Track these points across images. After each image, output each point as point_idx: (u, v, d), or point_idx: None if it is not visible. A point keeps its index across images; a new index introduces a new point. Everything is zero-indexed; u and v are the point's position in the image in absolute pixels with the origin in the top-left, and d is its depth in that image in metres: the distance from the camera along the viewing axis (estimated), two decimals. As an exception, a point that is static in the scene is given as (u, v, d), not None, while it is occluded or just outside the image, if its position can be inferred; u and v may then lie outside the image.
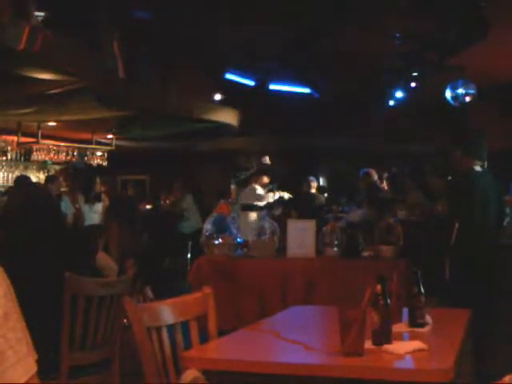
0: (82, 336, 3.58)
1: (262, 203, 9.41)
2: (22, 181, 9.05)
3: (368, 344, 2.44)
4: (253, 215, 9.09)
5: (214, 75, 11.35)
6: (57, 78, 7.82)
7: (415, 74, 10.05)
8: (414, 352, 2.39)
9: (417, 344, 2.45)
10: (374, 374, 2.27)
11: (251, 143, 14.06)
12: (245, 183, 10.25)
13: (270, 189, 9.86)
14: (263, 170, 10.37)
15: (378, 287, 2.55)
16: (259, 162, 10.69)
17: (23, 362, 1.44)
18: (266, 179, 10.05)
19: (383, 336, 2.49)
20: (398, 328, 2.75)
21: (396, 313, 2.87)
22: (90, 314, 3.57)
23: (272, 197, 9.71)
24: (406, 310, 2.99)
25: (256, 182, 9.95)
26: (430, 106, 11.70)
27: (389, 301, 2.54)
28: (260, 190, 9.78)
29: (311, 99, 13.01)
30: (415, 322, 2.90)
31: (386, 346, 2.44)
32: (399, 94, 11.63)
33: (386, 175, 10.48)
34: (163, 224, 10.97)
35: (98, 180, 10.55)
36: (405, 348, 2.40)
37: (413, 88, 10.81)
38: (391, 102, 12.01)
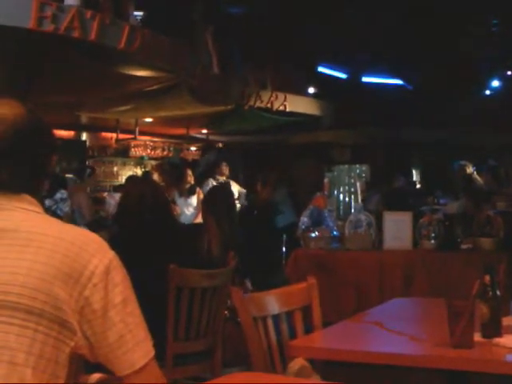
0: (186, 326, 3.67)
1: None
2: (135, 177, 9.21)
3: (477, 336, 2.39)
4: None
5: (307, 69, 11.34)
6: (153, 75, 8.01)
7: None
8: (527, 346, 2.32)
9: (530, 338, 2.38)
10: (486, 367, 2.23)
11: (344, 136, 13.99)
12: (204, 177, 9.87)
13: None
14: (221, 159, 9.95)
15: (487, 278, 2.49)
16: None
17: (141, 346, 1.51)
18: (225, 169, 9.73)
19: (493, 329, 2.43)
20: (506, 321, 2.67)
21: (504, 305, 2.80)
22: (193, 304, 3.65)
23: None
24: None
25: (218, 174, 9.64)
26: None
27: (498, 292, 2.49)
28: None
29: (404, 91, 12.84)
30: (525, 315, 2.82)
31: (497, 339, 2.38)
32: (495, 83, 11.34)
33: (484, 167, 10.23)
34: (258, 217, 11.02)
35: (189, 173, 10.70)
36: (517, 341, 2.35)
37: (509, 76, 10.53)
38: (487, 92, 11.73)
